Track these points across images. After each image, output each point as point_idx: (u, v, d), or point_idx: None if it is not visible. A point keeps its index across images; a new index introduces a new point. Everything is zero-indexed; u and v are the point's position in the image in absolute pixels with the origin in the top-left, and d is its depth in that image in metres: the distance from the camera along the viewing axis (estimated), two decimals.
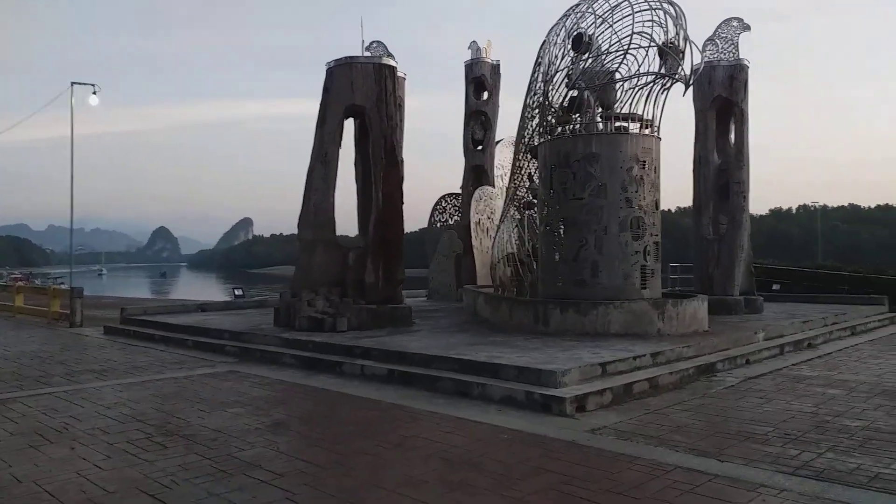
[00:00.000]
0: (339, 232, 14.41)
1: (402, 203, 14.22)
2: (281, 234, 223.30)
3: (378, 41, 19.33)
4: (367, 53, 17.72)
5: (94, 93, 22.83)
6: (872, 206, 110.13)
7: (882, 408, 7.64)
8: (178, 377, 9.97)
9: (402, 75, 19.39)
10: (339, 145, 14.11)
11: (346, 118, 14.33)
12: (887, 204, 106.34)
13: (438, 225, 22.03)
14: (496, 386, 8.11)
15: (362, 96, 13.79)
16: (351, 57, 14.05)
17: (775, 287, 21.46)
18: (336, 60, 14.05)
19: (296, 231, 14.42)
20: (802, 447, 6.11)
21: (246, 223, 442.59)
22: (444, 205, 22.09)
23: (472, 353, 9.43)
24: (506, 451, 6.04)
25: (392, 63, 14.41)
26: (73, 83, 22.33)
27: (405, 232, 14.76)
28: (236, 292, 23.86)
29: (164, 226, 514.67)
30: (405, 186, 14.42)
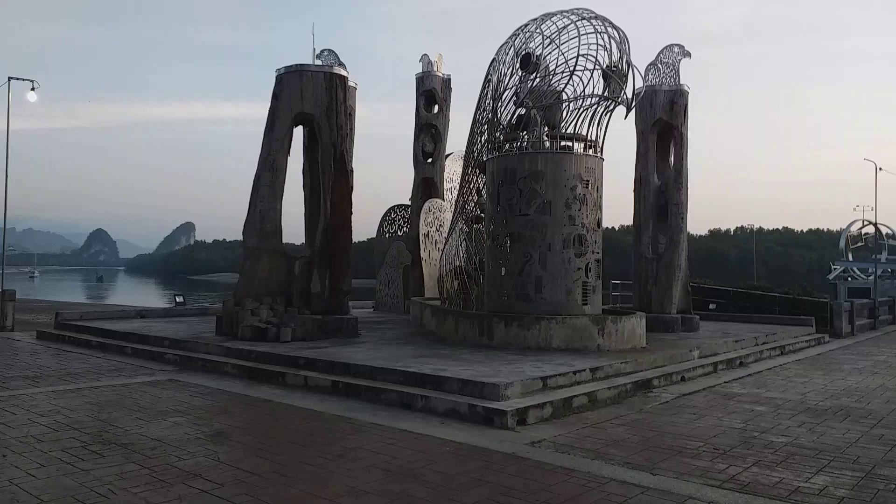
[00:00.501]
0: (285, 240, 14.31)
1: (351, 213, 14.23)
2: (224, 240, 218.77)
3: (329, 50, 19.33)
4: (318, 62, 17.70)
5: (33, 89, 22.00)
6: (805, 229, 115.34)
7: (805, 425, 8.06)
8: (115, 385, 9.72)
9: (354, 85, 19.44)
10: (288, 153, 14.04)
11: (296, 126, 14.28)
12: (818, 228, 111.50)
13: (387, 236, 22.05)
14: (440, 398, 8.21)
15: (312, 105, 13.78)
16: (301, 65, 14.04)
17: (712, 306, 22.23)
18: (286, 68, 14.01)
19: (240, 237, 14.25)
20: (730, 461, 6.41)
21: (188, 227, 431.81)
22: (393, 216, 22.13)
23: (416, 366, 9.51)
24: (447, 462, 6.14)
25: (343, 73, 14.45)
26: (10, 78, 21.49)
27: (353, 242, 14.77)
28: (177, 299, 23.31)
29: (101, 228, 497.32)
30: (354, 196, 14.44)
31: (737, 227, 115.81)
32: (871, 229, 43.93)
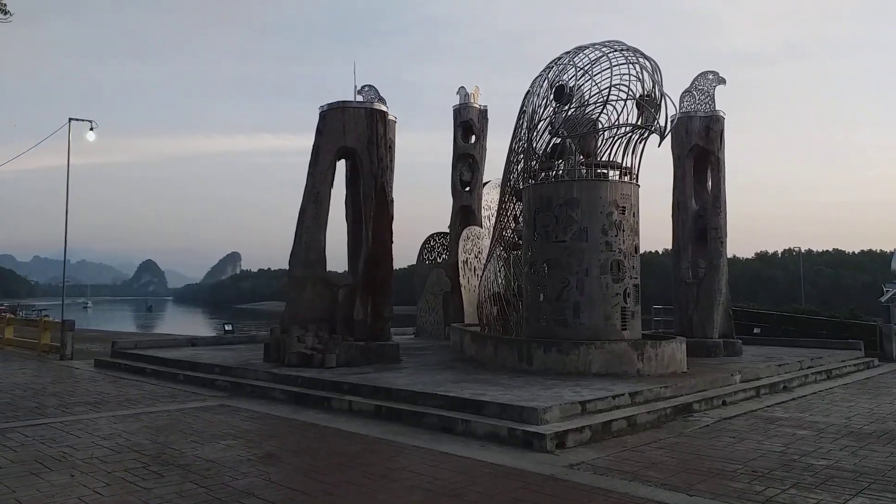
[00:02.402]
0: (329, 269, 14.79)
1: (392, 241, 14.65)
2: (269, 268, 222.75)
3: (370, 85, 19.98)
4: (359, 97, 18.34)
5: (92, 129, 23.26)
6: (856, 251, 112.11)
7: (847, 448, 8.02)
8: (170, 410, 10.20)
9: (393, 118, 19.97)
10: (331, 185, 14.58)
11: (338, 159, 14.83)
12: (870, 249, 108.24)
13: (427, 263, 22.43)
14: (480, 422, 8.43)
15: (354, 139, 14.31)
16: (343, 101, 14.63)
17: (756, 330, 21.91)
18: (329, 104, 14.62)
19: (284, 266, 14.79)
20: (768, 483, 6.47)
21: (234, 258, 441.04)
22: (432, 243, 22.52)
23: (457, 391, 9.75)
24: (487, 483, 6.36)
25: (383, 108, 14.99)
26: (70, 119, 22.76)
27: (394, 269, 15.16)
28: (226, 327, 24.04)
29: (150, 259, 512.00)
30: (394, 224, 14.87)
31: (784, 250, 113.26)
32: None
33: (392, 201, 15.00)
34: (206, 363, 13.84)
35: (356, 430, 8.74)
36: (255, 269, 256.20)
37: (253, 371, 12.67)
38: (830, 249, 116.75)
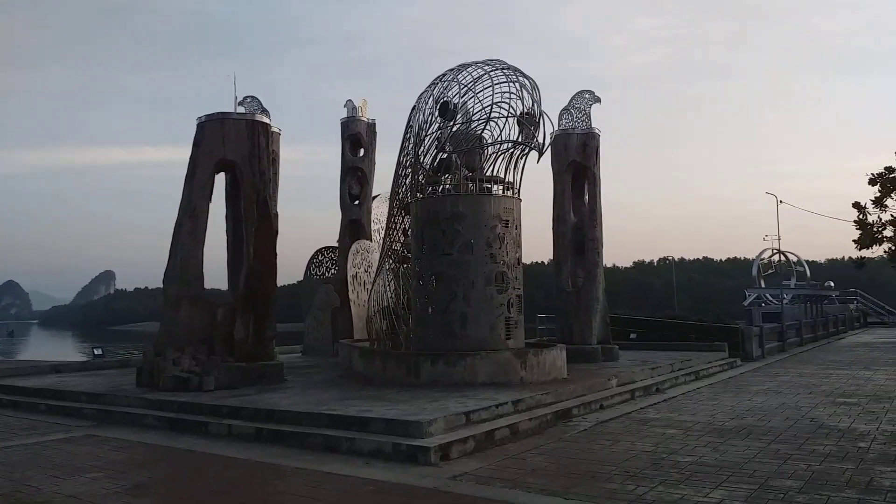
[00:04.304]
0: (210, 286, 14.19)
1: (275, 257, 14.27)
2: (146, 287, 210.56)
3: (252, 96, 19.48)
4: (241, 109, 17.82)
5: None
6: (723, 258, 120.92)
7: (710, 444, 8.59)
8: (28, 444, 9.37)
9: (277, 130, 19.61)
10: (209, 199, 14.03)
11: (217, 172, 14.30)
12: (736, 257, 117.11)
13: (315, 278, 22.02)
14: (365, 440, 8.35)
15: (234, 151, 13.86)
16: (223, 113, 14.15)
17: (632, 336, 23.09)
18: (207, 116, 14.09)
19: (162, 285, 14.04)
20: (638, 482, 6.81)
21: (107, 276, 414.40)
22: (320, 258, 22.15)
23: (342, 408, 9.61)
24: (369, 501, 6.30)
25: (265, 119, 14.63)
26: None
27: (279, 286, 14.76)
28: (95, 352, 22.46)
29: (12, 280, 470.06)
30: (280, 239, 14.51)
31: (660, 259, 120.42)
32: (780, 257, 46.68)
33: (276, 215, 14.64)
34: (72, 391, 12.86)
35: (235, 455, 8.40)
36: (130, 289, 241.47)
37: (124, 397, 11.89)
38: (701, 258, 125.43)
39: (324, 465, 7.76)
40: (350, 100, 22.59)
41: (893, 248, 36.06)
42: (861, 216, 36.76)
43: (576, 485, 6.75)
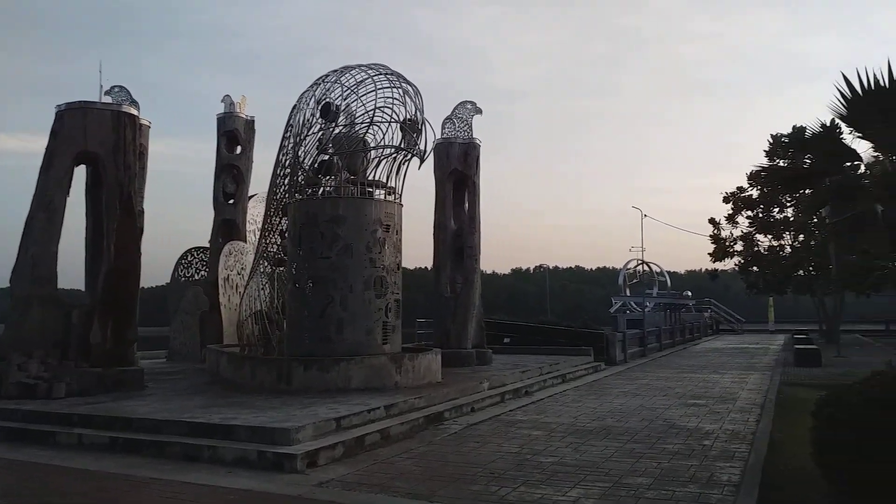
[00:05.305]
0: (69, 287, 13.18)
1: (139, 256, 13.49)
2: None
3: (121, 86, 18.33)
4: (108, 98, 16.72)
5: None
6: (594, 267, 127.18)
7: (571, 445, 9.00)
8: None
9: (147, 123, 18.58)
10: (67, 193, 13.03)
11: (78, 165, 13.32)
12: (605, 266, 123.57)
13: (183, 280, 20.98)
14: (229, 448, 8.05)
15: (97, 143, 12.97)
16: (86, 102, 13.20)
17: (506, 340, 23.79)
18: (68, 104, 13.09)
19: (8, 284, 12.87)
20: (502, 483, 7.01)
21: None
22: (190, 259, 21.13)
23: (205, 416, 9.21)
24: None
25: (132, 111, 13.80)
26: None
27: (143, 287, 13.94)
28: None
29: None
30: (145, 237, 13.73)
31: (536, 266, 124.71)
32: (644, 267, 49.77)
33: (141, 212, 13.88)
34: None
35: (85, 467, 7.83)
36: None
37: None
38: (574, 266, 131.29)
39: (183, 474, 7.40)
40: (228, 95, 21.77)
41: (743, 261, 39.58)
42: (716, 231, 40.07)
43: (441, 487, 6.85)
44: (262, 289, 15.72)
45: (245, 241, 20.46)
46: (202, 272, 20.76)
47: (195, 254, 21.13)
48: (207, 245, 21.00)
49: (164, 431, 8.87)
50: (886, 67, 8.84)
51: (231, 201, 21.17)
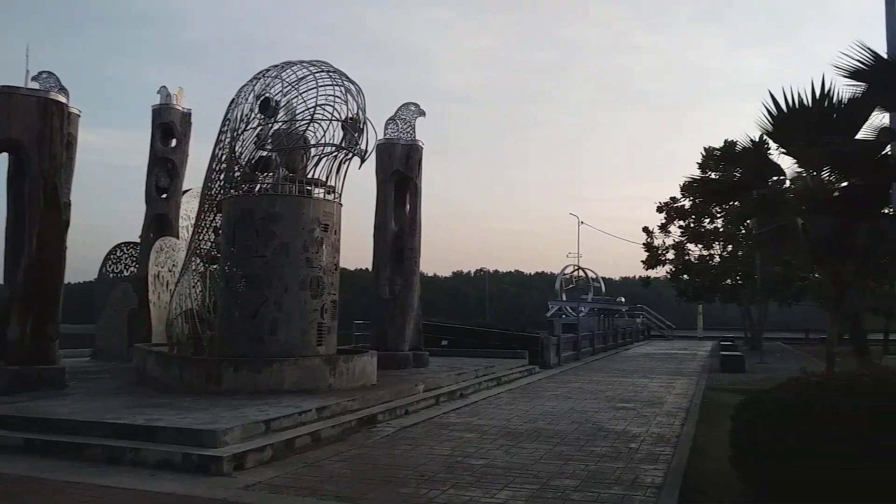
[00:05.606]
0: None
1: (64, 250, 12.94)
2: None
3: (49, 72, 17.50)
4: (35, 84, 15.98)
5: None
6: (533, 272, 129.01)
7: (503, 447, 9.09)
8: None
9: (77, 112, 17.86)
10: None
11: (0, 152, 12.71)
12: (543, 271, 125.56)
13: (111, 276, 20.23)
14: (152, 450, 7.80)
15: (20, 131, 12.37)
16: (9, 87, 12.59)
17: (444, 343, 23.88)
18: None
19: None
20: (431, 486, 7.02)
21: None
22: (119, 254, 20.39)
23: (129, 417, 8.89)
24: None
25: (61, 98, 13.24)
26: None
27: (70, 283, 13.37)
28: None
29: None
30: (71, 231, 13.18)
31: (477, 270, 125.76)
32: (580, 273, 50.85)
33: (67, 205, 13.34)
34: None
35: None
36: None
37: None
38: (513, 270, 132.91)
39: (102, 478, 7.13)
40: (164, 86, 21.12)
41: (674, 269, 40.90)
42: (649, 240, 41.29)
43: (371, 490, 6.81)
44: (194, 287, 15.30)
45: (178, 238, 19.89)
46: (132, 268, 20.07)
47: (125, 249, 20.42)
48: (138, 240, 20.32)
49: (84, 433, 8.52)
50: (810, 87, 9.38)
51: (164, 196, 20.55)
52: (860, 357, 9.51)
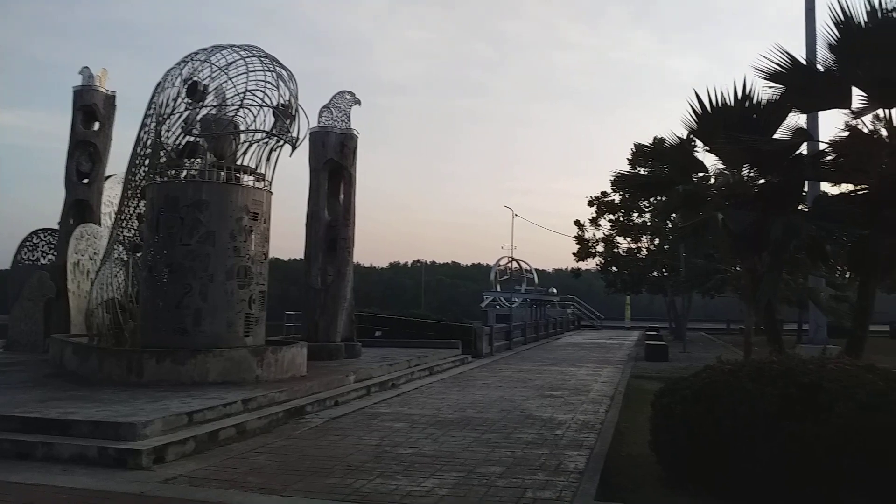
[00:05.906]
0: None
1: None
2: None
3: None
4: None
5: None
6: (469, 263, 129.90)
7: (431, 436, 9.15)
8: None
9: None
10: None
11: None
12: (479, 262, 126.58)
13: (27, 264, 19.25)
14: (66, 444, 7.49)
15: None
16: None
17: (378, 333, 23.80)
18: None
19: None
20: (358, 476, 7.00)
21: None
22: (35, 241, 19.40)
23: (41, 410, 8.51)
24: None
25: None
26: None
27: None
28: None
29: None
30: None
31: (413, 261, 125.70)
32: (514, 264, 51.53)
33: None
34: None
35: None
36: None
37: None
38: (450, 262, 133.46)
39: (10, 473, 6.80)
40: (87, 67, 20.17)
41: (604, 261, 41.97)
42: (580, 233, 42.23)
43: (296, 481, 6.74)
44: (116, 276, 14.74)
45: (99, 224, 19.10)
46: (49, 256, 19.16)
47: (42, 236, 19.47)
48: (57, 227, 19.40)
49: None
50: (732, 88, 9.78)
51: (85, 181, 19.67)
52: (774, 346, 9.97)
